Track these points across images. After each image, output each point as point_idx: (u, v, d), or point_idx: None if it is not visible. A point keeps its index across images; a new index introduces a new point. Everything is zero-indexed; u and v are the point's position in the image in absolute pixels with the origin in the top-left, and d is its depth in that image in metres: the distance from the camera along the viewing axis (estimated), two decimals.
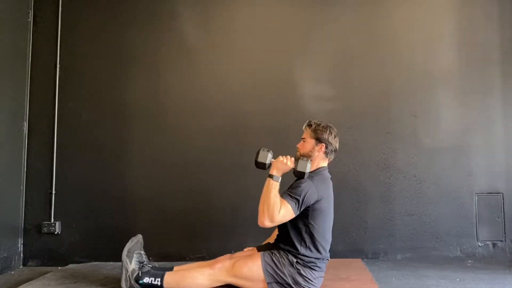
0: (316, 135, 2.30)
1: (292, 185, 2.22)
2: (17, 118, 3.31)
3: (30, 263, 3.30)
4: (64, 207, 3.35)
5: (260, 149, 2.24)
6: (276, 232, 2.43)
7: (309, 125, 2.34)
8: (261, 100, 3.42)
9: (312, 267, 2.19)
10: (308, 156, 2.27)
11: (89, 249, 3.30)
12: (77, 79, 3.46)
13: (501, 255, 3.27)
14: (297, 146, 2.36)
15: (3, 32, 3.13)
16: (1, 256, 3.06)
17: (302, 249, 2.18)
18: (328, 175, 2.33)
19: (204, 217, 3.35)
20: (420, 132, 3.38)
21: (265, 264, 2.19)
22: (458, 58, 3.43)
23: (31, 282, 2.60)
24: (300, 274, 2.17)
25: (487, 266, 3.04)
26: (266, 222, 2.10)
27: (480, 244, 3.30)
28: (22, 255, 3.29)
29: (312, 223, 2.18)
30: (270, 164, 2.23)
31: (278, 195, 2.14)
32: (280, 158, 2.21)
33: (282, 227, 2.29)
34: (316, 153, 2.29)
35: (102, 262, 3.15)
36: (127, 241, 2.37)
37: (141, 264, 2.30)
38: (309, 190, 2.14)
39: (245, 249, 2.53)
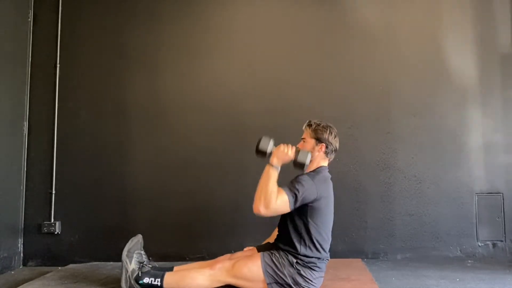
0: (316, 135, 2.29)
1: (293, 180, 2.21)
2: (17, 118, 3.31)
3: (30, 263, 3.30)
4: (64, 207, 3.35)
5: (261, 137, 2.22)
6: (276, 232, 2.43)
7: (309, 125, 2.34)
8: (261, 100, 3.42)
9: (312, 267, 2.19)
10: None
11: (89, 249, 3.30)
12: (77, 79, 3.46)
13: (501, 255, 3.27)
14: (297, 146, 2.35)
15: (3, 32, 3.13)
16: (1, 256, 3.06)
17: (302, 249, 2.18)
18: (328, 175, 2.33)
19: (204, 217, 3.35)
20: (420, 132, 3.38)
21: (265, 265, 2.19)
22: (457, 58, 3.43)
23: (31, 282, 2.60)
24: (300, 275, 2.16)
25: (487, 266, 3.04)
26: (261, 208, 2.08)
27: (480, 244, 3.30)
28: (22, 255, 3.30)
29: (312, 222, 2.17)
30: (271, 153, 2.21)
31: (276, 184, 2.13)
32: (281, 146, 2.20)
33: (282, 226, 2.29)
34: (316, 153, 2.29)
35: (102, 262, 3.15)
36: (127, 241, 2.36)
37: (141, 264, 2.30)
38: (309, 188, 2.14)
39: (245, 249, 2.53)
